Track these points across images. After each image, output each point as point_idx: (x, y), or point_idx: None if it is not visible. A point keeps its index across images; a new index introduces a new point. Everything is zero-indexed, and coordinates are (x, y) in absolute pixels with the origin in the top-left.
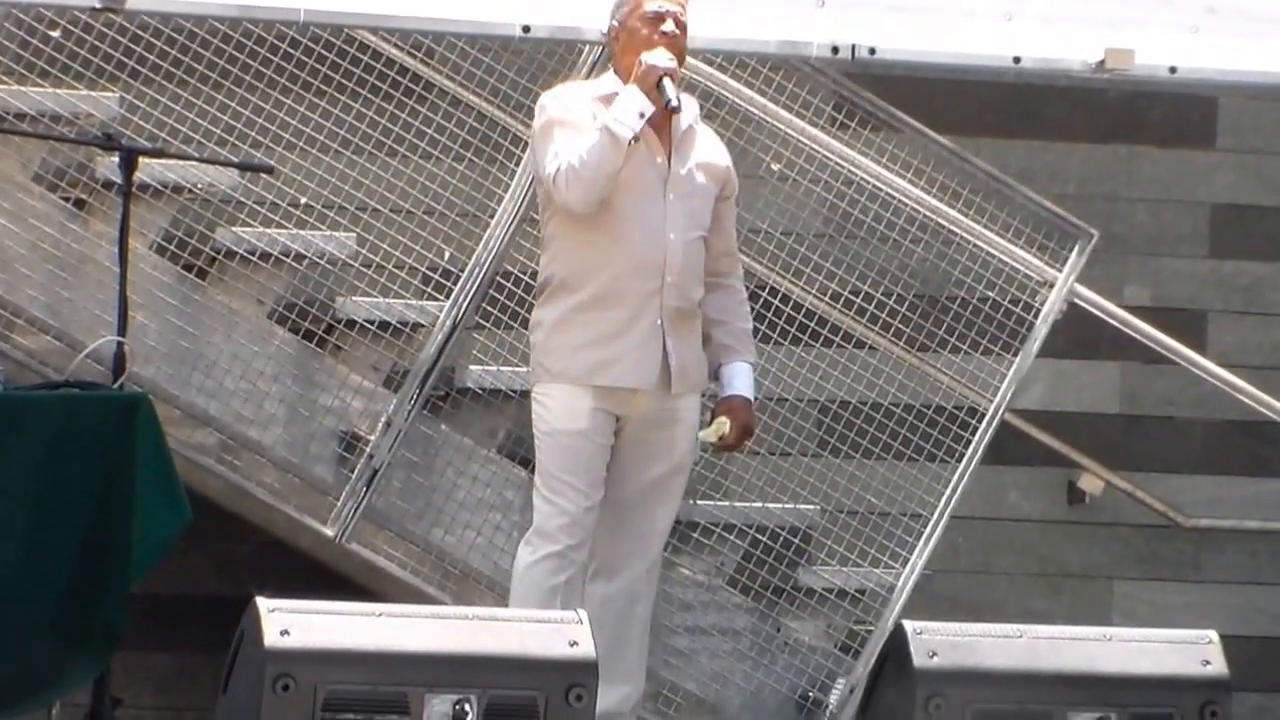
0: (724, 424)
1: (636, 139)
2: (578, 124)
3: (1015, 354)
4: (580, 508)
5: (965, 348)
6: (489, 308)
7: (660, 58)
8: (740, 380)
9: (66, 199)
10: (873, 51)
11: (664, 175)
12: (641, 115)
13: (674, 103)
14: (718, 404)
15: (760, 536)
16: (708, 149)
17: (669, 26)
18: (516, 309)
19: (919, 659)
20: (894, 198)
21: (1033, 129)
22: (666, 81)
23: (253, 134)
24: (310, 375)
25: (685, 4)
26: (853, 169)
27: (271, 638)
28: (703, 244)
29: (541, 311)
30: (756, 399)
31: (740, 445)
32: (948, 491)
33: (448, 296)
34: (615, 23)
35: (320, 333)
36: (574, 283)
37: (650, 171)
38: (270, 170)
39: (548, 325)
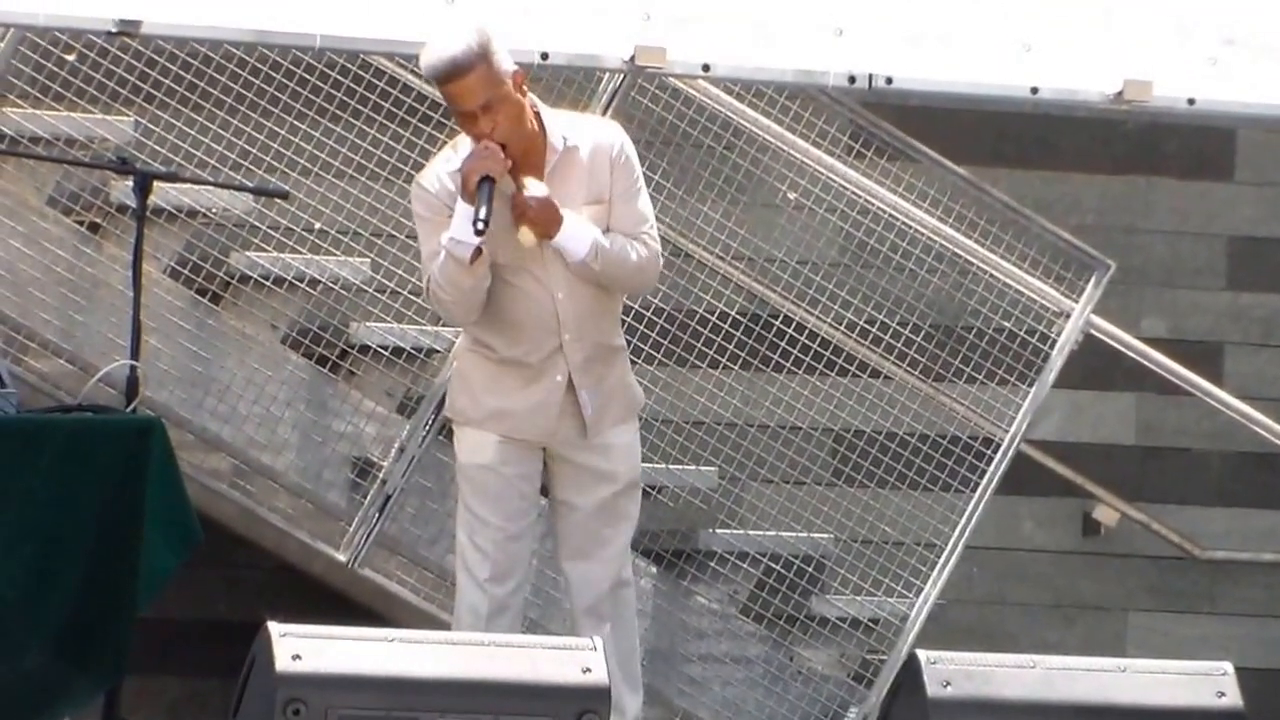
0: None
1: (480, 253)
2: (438, 220)
3: (1031, 384)
4: (494, 542)
5: (981, 378)
6: None
7: (480, 163)
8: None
9: (81, 223)
10: (890, 81)
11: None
12: (475, 224)
13: (480, 224)
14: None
15: (774, 565)
16: (589, 170)
17: (487, 129)
18: None
19: (933, 689)
20: (910, 227)
21: (1050, 160)
22: (486, 188)
23: (268, 159)
24: (324, 400)
25: (484, 82)
26: (869, 198)
27: (283, 662)
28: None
29: (460, 345)
30: (768, 428)
31: (523, 216)
32: (962, 521)
33: None
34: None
35: (334, 358)
36: (480, 335)
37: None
38: (285, 195)
39: (460, 362)
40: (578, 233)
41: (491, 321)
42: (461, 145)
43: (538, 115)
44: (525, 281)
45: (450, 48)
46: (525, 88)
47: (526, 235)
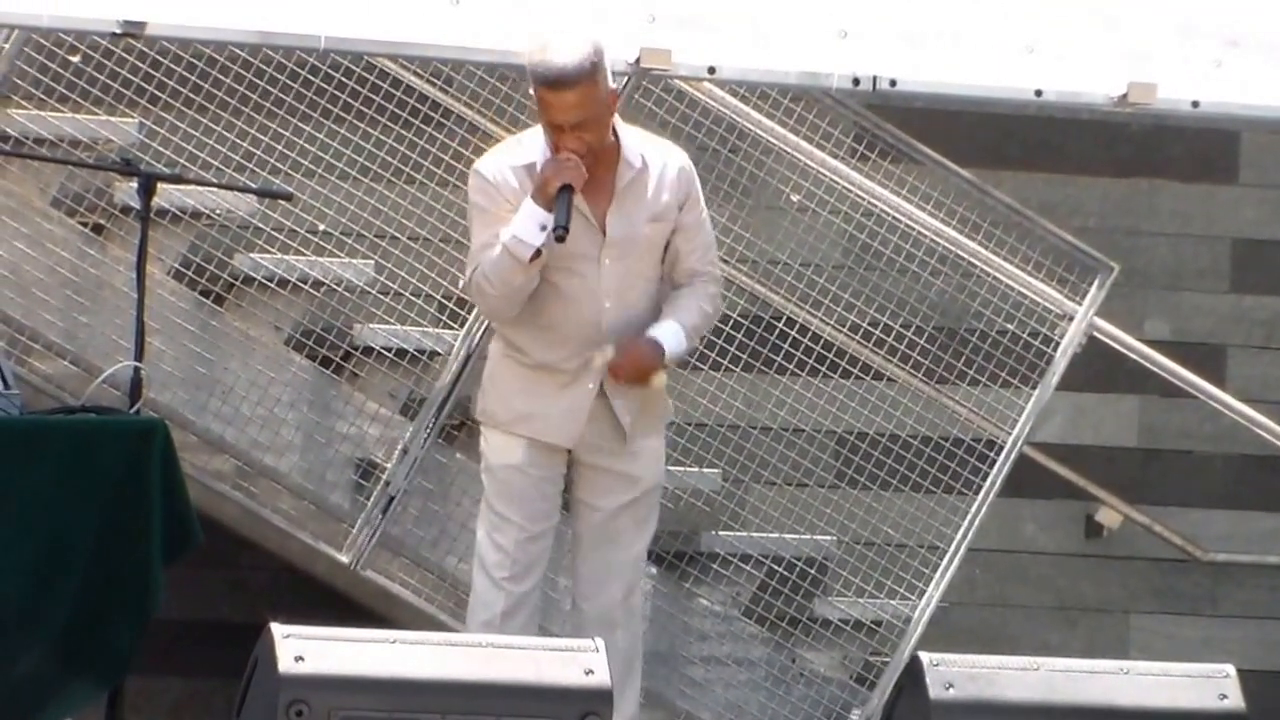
0: (608, 350)
1: (539, 254)
2: (496, 212)
3: (1034, 387)
4: (514, 541)
5: (984, 380)
6: None
7: (555, 171)
8: (658, 328)
9: (85, 224)
10: (894, 83)
11: (599, 242)
12: (543, 228)
13: (562, 230)
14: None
15: (776, 567)
16: (655, 189)
17: (572, 145)
18: None
19: (935, 691)
20: (914, 230)
21: (1054, 162)
22: (565, 196)
23: (272, 160)
24: (327, 402)
25: (585, 101)
26: (873, 201)
27: (285, 664)
28: (649, 293)
29: (492, 347)
30: (771, 430)
31: (620, 378)
32: (965, 524)
33: (464, 325)
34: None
35: (337, 360)
36: (514, 338)
37: (584, 238)
38: (289, 197)
39: (492, 364)
40: (672, 341)
41: (529, 324)
42: (526, 140)
43: (614, 130)
44: (573, 286)
45: (564, 57)
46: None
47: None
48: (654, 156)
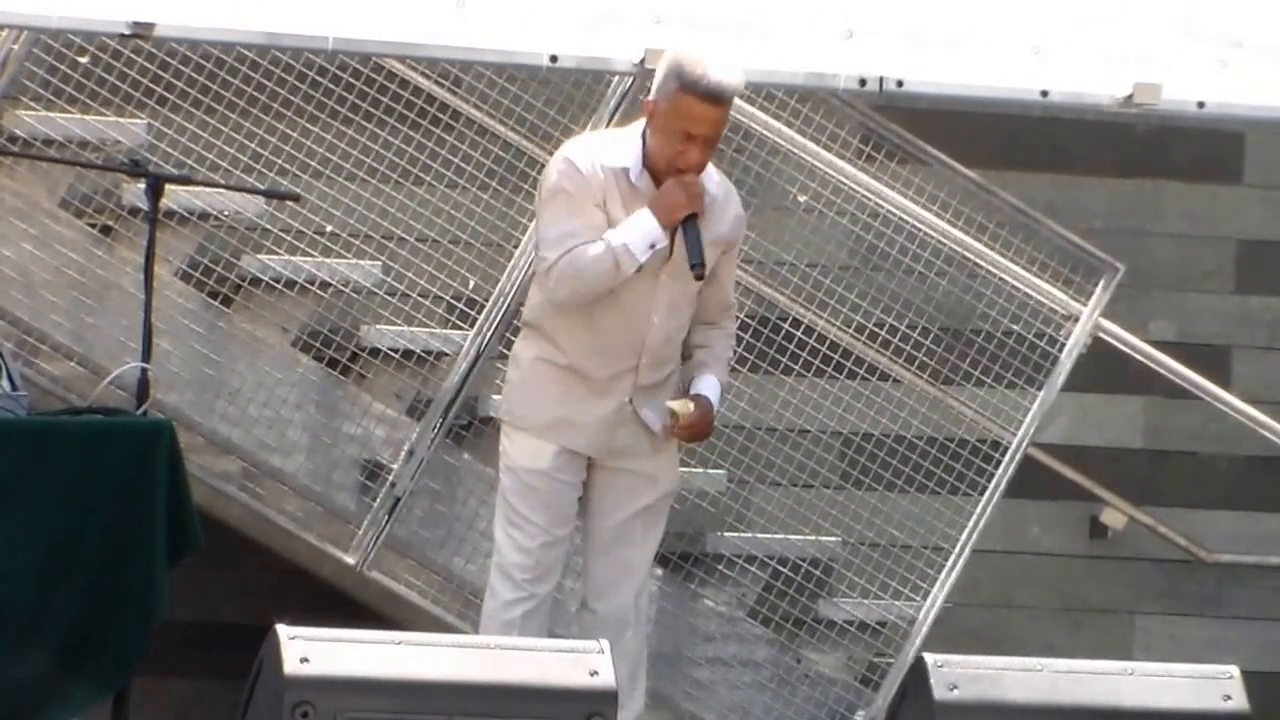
0: (689, 406)
1: (640, 269)
2: (583, 203)
3: (1039, 388)
4: (538, 543)
5: (989, 381)
6: (513, 337)
7: (688, 199)
8: (709, 387)
9: (93, 225)
10: (900, 84)
11: (664, 257)
12: (652, 247)
13: (699, 268)
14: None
15: (781, 568)
16: (719, 217)
17: (695, 160)
18: None
19: (939, 692)
20: (920, 230)
21: (1059, 163)
22: (694, 228)
23: (280, 161)
24: (334, 403)
25: (725, 121)
26: (879, 201)
27: (291, 665)
28: (688, 317)
29: (521, 347)
30: (777, 431)
31: (685, 436)
32: (970, 525)
33: (472, 326)
34: (660, 94)
35: (344, 361)
36: (552, 340)
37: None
38: (297, 198)
39: (523, 366)
40: (716, 394)
41: (577, 325)
42: (619, 141)
43: None
44: (628, 298)
45: (730, 77)
46: None
47: (680, 407)
48: (720, 185)
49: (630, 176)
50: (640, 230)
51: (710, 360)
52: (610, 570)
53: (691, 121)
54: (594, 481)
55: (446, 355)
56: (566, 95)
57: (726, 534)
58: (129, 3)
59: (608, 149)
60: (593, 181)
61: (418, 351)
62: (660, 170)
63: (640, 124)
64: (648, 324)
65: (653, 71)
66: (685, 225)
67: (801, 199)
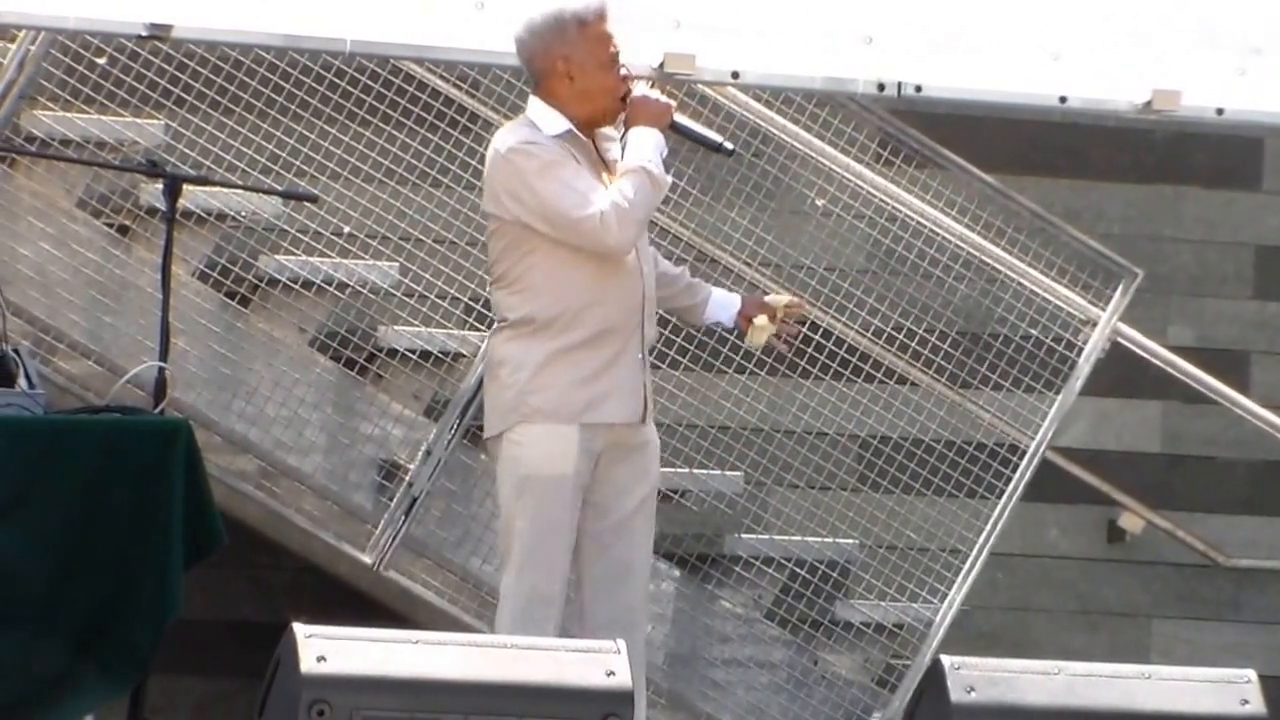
0: (766, 323)
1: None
2: (573, 167)
3: (1057, 392)
4: (562, 547)
5: (1008, 385)
6: None
7: (662, 102)
8: (714, 291)
9: (110, 225)
10: (919, 89)
11: None
12: (723, 146)
13: (726, 144)
14: (739, 314)
15: (799, 570)
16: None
17: (623, 73)
18: None
19: (956, 694)
20: (938, 235)
21: (1078, 168)
22: (678, 125)
23: (297, 163)
24: (351, 403)
25: None
26: (897, 206)
27: (308, 664)
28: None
29: (520, 352)
30: (794, 433)
31: (797, 314)
32: (987, 528)
33: (489, 327)
34: (565, 48)
35: (362, 361)
36: (560, 324)
37: None
38: (314, 199)
39: (531, 366)
40: (723, 292)
41: (580, 306)
42: (536, 118)
43: None
44: (620, 260)
45: None
46: None
47: (762, 333)
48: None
49: (577, 136)
50: (649, 145)
51: (682, 273)
52: (609, 571)
53: (609, 41)
54: (594, 481)
55: (464, 356)
56: None
57: (744, 536)
58: (147, 4)
59: (534, 128)
60: (556, 148)
61: (435, 352)
62: (607, 110)
63: (537, 105)
64: (640, 278)
65: (672, 75)
66: (676, 128)
67: (820, 203)
